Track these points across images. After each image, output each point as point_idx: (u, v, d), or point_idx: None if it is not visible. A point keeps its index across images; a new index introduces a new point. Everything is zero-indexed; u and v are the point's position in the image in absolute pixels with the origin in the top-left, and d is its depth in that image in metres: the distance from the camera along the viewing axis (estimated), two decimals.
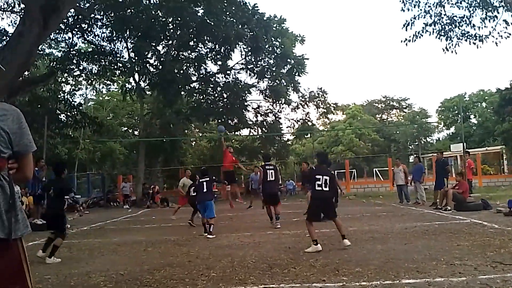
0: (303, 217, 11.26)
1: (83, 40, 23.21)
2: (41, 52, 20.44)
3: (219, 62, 24.91)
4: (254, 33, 22.28)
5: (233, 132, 27.68)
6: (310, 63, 61.13)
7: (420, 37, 15.19)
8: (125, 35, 22.08)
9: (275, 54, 24.47)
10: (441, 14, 15.27)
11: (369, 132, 50.49)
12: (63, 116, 21.54)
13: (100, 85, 31.65)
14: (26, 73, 17.14)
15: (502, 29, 14.66)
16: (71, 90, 29.98)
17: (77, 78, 26.43)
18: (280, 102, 25.75)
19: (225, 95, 25.16)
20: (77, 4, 17.15)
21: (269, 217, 9.46)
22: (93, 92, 35.38)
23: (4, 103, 2.00)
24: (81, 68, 22.43)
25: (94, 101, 35.43)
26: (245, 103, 25.38)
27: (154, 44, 22.80)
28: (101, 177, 26.22)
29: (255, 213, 10.75)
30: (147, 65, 23.02)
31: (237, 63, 25.42)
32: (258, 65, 25.03)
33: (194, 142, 33.53)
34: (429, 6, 15.23)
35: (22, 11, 17.13)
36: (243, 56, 24.98)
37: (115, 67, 23.03)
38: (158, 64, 23.46)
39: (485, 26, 14.84)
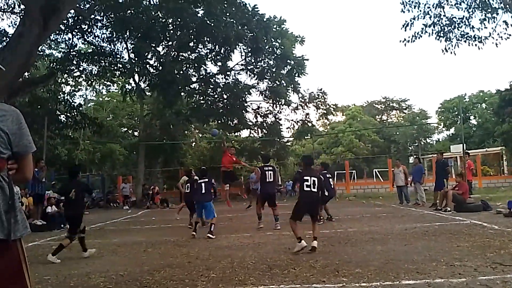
0: (303, 218, 11.29)
1: (83, 41, 23.24)
2: (41, 53, 20.45)
3: (219, 63, 24.91)
4: (254, 34, 22.29)
5: (233, 133, 27.69)
6: (310, 64, 61.30)
7: (419, 37, 15.21)
8: (125, 36, 22.07)
9: (275, 55, 24.47)
10: (440, 15, 15.29)
11: (369, 133, 50.48)
12: (63, 117, 21.56)
13: (100, 86, 31.67)
14: (26, 74, 17.13)
15: (502, 30, 14.69)
16: (71, 91, 30.03)
17: (77, 79, 26.42)
18: (280, 103, 25.74)
19: (225, 96, 25.16)
20: (77, 5, 17.14)
21: (258, 217, 9.34)
22: (93, 93, 35.45)
23: (4, 103, 2.00)
24: (81, 69, 22.43)
25: (94, 102, 35.45)
26: (245, 104, 25.37)
27: (154, 45, 22.81)
28: (101, 178, 26.24)
29: (255, 213, 10.70)
30: (147, 66, 23.01)
31: (237, 64, 25.42)
32: (258, 66, 25.03)
33: (194, 143, 33.53)
34: (428, 7, 15.26)
35: (22, 12, 17.14)
36: (243, 57, 25.00)
37: (115, 68, 23.04)
38: (158, 65, 23.45)
39: (484, 27, 14.87)
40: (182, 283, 4.71)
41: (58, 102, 21.32)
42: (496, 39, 14.69)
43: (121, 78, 25.45)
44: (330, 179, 10.81)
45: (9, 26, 32.25)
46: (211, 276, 4.94)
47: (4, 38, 17.47)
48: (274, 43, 24.30)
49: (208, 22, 21.02)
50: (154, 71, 23.25)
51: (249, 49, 23.82)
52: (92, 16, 20.99)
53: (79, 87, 31.01)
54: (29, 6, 13.22)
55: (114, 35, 22.02)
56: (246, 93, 24.85)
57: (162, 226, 10.84)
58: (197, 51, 24.12)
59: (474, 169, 18.54)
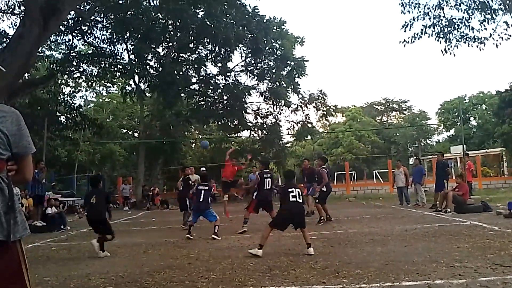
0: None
1: (83, 42, 23.27)
2: (41, 54, 20.48)
3: (219, 64, 24.92)
4: (254, 35, 22.31)
5: (233, 134, 27.68)
6: (310, 65, 61.26)
7: (419, 38, 15.22)
8: (125, 37, 22.10)
9: (275, 56, 24.48)
10: (440, 16, 15.30)
11: (369, 134, 50.47)
12: (63, 118, 21.57)
13: (100, 87, 31.70)
14: (26, 75, 17.15)
15: (502, 30, 14.69)
16: (71, 92, 30.08)
17: (77, 80, 26.46)
18: (280, 104, 25.75)
19: (225, 97, 25.16)
20: (77, 6, 17.17)
21: (244, 221, 9.16)
22: (93, 94, 35.49)
23: (3, 104, 2.00)
24: (81, 70, 22.46)
25: (94, 103, 35.48)
26: (245, 105, 25.38)
27: (154, 46, 22.83)
28: (101, 179, 26.20)
29: (254, 214, 10.67)
30: (147, 67, 23.04)
31: (237, 65, 25.44)
32: (258, 67, 25.04)
33: (194, 144, 33.55)
34: (428, 8, 15.27)
35: (22, 13, 17.17)
36: (243, 58, 25.02)
37: (115, 69, 23.06)
38: (158, 66, 23.47)
39: (484, 29, 14.87)
40: (182, 285, 4.70)
41: (58, 103, 21.34)
42: (497, 40, 14.71)
43: (121, 79, 25.47)
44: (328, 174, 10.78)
45: (9, 27, 32.36)
46: (211, 278, 4.93)
47: (4, 39, 17.49)
48: (274, 44, 24.31)
49: (208, 23, 21.04)
50: (154, 72, 23.28)
51: (249, 50, 23.83)
52: (92, 17, 21.02)
53: (79, 88, 31.06)
54: (29, 7, 13.25)
55: (114, 36, 22.04)
56: (246, 94, 24.85)
57: (162, 227, 10.83)
58: (197, 52, 24.15)
59: (474, 170, 18.52)
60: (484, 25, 14.76)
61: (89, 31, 21.83)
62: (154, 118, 24.53)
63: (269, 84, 25.19)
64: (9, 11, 19.08)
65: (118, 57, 22.77)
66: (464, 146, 18.30)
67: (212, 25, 20.79)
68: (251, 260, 5.83)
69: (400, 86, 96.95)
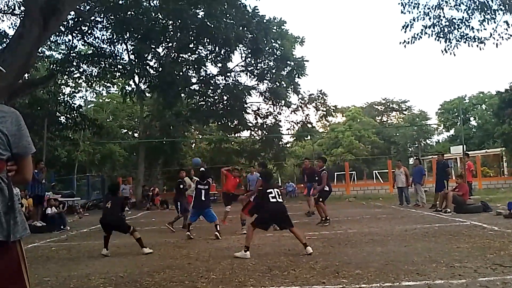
0: (303, 220, 11.29)
1: (83, 43, 23.25)
2: (41, 54, 20.46)
3: (219, 64, 24.94)
4: (254, 35, 22.31)
5: (233, 134, 27.69)
6: (310, 65, 61.12)
7: (419, 39, 15.21)
8: (125, 37, 22.09)
9: (275, 56, 24.50)
10: (440, 16, 15.30)
11: (369, 134, 50.46)
12: (63, 118, 21.56)
13: (100, 87, 31.71)
14: (26, 75, 17.15)
15: (503, 30, 14.68)
16: (71, 92, 30.09)
17: (77, 80, 26.45)
18: (280, 104, 25.77)
19: (225, 97, 25.18)
20: (77, 7, 17.17)
21: (241, 223, 9.16)
22: (93, 94, 35.50)
23: (3, 105, 2.00)
24: (81, 70, 22.44)
25: (94, 103, 35.49)
26: (245, 105, 25.39)
27: (154, 46, 22.83)
28: (101, 179, 26.25)
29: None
30: (147, 67, 23.04)
31: (237, 65, 25.46)
32: (258, 67, 25.06)
33: (194, 144, 33.55)
34: (428, 8, 15.26)
35: (22, 13, 17.16)
36: (243, 58, 25.03)
37: (115, 69, 23.05)
38: (158, 66, 23.48)
39: (484, 29, 14.86)
40: (182, 285, 4.70)
41: (58, 103, 21.33)
42: (497, 40, 14.70)
43: (121, 79, 25.48)
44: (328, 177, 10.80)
45: (9, 27, 32.36)
46: (211, 278, 4.93)
47: (4, 40, 17.49)
48: (274, 44, 24.33)
49: (208, 23, 21.04)
50: (154, 72, 23.29)
51: (249, 50, 23.84)
52: (92, 17, 21.01)
53: (79, 88, 31.06)
54: (29, 7, 13.25)
55: (114, 37, 22.04)
56: (246, 94, 24.87)
57: (162, 228, 10.81)
58: (197, 52, 24.16)
59: (474, 170, 18.51)
60: (484, 25, 14.77)
61: (89, 31, 21.81)
62: (154, 118, 24.55)
63: (269, 84, 25.21)
64: (9, 12, 19.08)
65: (118, 57, 22.78)
66: (464, 146, 18.30)
67: (212, 25, 20.79)
68: (251, 260, 5.83)
69: (400, 86, 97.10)
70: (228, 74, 25.30)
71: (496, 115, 31.91)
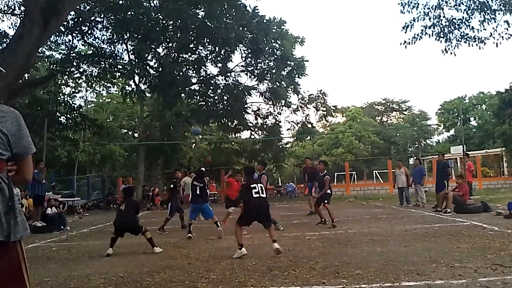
0: (303, 220, 11.29)
1: (83, 43, 23.27)
2: (41, 54, 20.47)
3: (219, 64, 24.96)
4: (254, 35, 22.33)
5: (233, 134, 27.70)
6: (310, 65, 61.14)
7: (419, 39, 15.19)
8: (125, 37, 22.11)
9: (275, 56, 24.51)
10: (440, 16, 15.29)
11: (369, 134, 50.45)
12: (63, 118, 21.56)
13: (100, 88, 31.73)
14: (26, 75, 17.15)
15: (503, 30, 14.67)
16: (71, 92, 30.12)
17: (77, 81, 26.46)
18: (280, 104, 25.77)
19: (225, 97, 25.19)
20: (77, 7, 17.18)
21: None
22: (93, 94, 35.52)
23: (3, 105, 2.00)
24: (81, 70, 22.45)
25: (94, 103, 35.50)
26: (245, 106, 25.40)
27: (154, 46, 22.84)
28: (101, 179, 26.24)
29: None
30: (147, 67, 23.04)
31: (237, 65, 25.49)
32: (258, 67, 25.07)
33: (194, 144, 33.53)
34: (428, 8, 15.25)
35: (23, 13, 17.17)
36: (243, 58, 25.05)
37: (115, 69, 23.06)
38: (158, 66, 23.48)
39: (484, 29, 14.85)
40: (182, 285, 4.70)
41: (58, 103, 21.33)
42: (497, 39, 14.68)
43: (121, 79, 25.49)
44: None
45: (10, 27, 32.36)
46: (211, 278, 4.93)
47: (4, 40, 17.49)
48: (274, 44, 24.35)
49: (208, 23, 21.06)
50: (154, 72, 23.29)
51: (249, 51, 23.86)
52: (92, 17, 21.02)
53: (79, 88, 31.10)
54: (29, 7, 13.25)
55: (114, 37, 22.05)
56: (246, 94, 24.88)
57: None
58: (197, 52, 24.18)
59: (474, 170, 18.52)
60: (483, 26, 14.76)
61: (89, 32, 21.82)
62: (154, 119, 24.57)
63: (269, 84, 25.22)
64: (9, 12, 19.09)
65: (118, 57, 22.80)
66: (464, 146, 18.28)
67: (212, 26, 20.81)
68: (251, 260, 5.83)
69: (400, 86, 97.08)
70: (228, 74, 25.32)
71: (496, 115, 31.90)
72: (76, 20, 20.38)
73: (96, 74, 22.81)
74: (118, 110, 33.83)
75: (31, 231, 2.03)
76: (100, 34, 22.32)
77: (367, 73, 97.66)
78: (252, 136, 27.63)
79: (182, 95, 24.31)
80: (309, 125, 27.12)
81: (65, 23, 19.05)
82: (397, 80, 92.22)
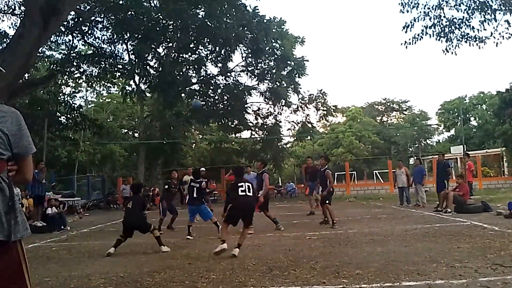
0: (303, 219, 11.29)
1: (83, 43, 23.28)
2: (41, 54, 20.48)
3: (220, 64, 24.96)
4: (254, 35, 22.33)
5: (233, 134, 27.69)
6: (310, 65, 61.15)
7: (420, 39, 15.20)
8: (126, 37, 22.12)
9: (275, 56, 24.51)
10: (440, 16, 15.29)
11: (369, 134, 50.45)
12: (63, 118, 21.57)
13: (100, 87, 31.73)
14: (26, 75, 17.16)
15: (503, 29, 14.68)
16: (71, 92, 30.13)
17: (77, 80, 26.47)
18: (280, 104, 25.77)
19: (225, 97, 25.19)
20: (77, 7, 17.18)
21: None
22: (93, 94, 35.52)
23: (3, 105, 1.99)
24: (81, 70, 22.48)
25: (94, 103, 35.51)
26: (245, 105, 25.40)
27: (154, 46, 22.85)
28: (101, 179, 26.23)
29: (254, 214, 10.75)
30: (147, 67, 23.05)
31: (237, 65, 25.49)
32: (258, 67, 25.07)
33: (194, 144, 33.54)
34: (428, 8, 15.25)
35: (23, 13, 17.17)
36: (244, 58, 25.05)
37: (115, 69, 23.07)
38: (158, 66, 23.49)
39: (484, 29, 14.86)
40: (182, 285, 4.70)
41: (58, 103, 21.33)
42: (497, 39, 14.69)
43: (121, 79, 25.49)
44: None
45: (10, 27, 32.37)
46: (211, 278, 4.93)
47: (4, 40, 17.50)
48: (274, 44, 24.35)
49: (208, 23, 21.07)
50: (154, 72, 23.31)
51: (250, 50, 23.86)
52: (92, 17, 21.04)
53: (79, 88, 31.11)
54: (29, 7, 13.26)
55: (115, 37, 22.07)
56: (246, 94, 24.89)
57: (162, 228, 10.79)
58: (197, 52, 24.19)
59: (475, 170, 18.51)
60: (484, 26, 14.76)
61: (89, 32, 21.84)
62: (154, 119, 24.58)
63: (270, 84, 25.22)
64: (9, 12, 19.11)
65: (118, 57, 22.82)
66: (464, 146, 18.28)
67: (212, 25, 20.82)
68: (251, 260, 5.83)
69: (400, 86, 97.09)
70: (229, 74, 25.32)
71: (496, 115, 31.91)
72: (76, 20, 20.39)
73: (96, 74, 22.83)
74: (118, 110, 33.84)
75: (31, 231, 2.02)
76: (100, 34, 22.39)
77: (367, 73, 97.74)
78: (253, 136, 27.62)
79: (182, 95, 24.32)
80: (309, 125, 27.12)
81: (65, 23, 19.07)
82: (397, 80, 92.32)
